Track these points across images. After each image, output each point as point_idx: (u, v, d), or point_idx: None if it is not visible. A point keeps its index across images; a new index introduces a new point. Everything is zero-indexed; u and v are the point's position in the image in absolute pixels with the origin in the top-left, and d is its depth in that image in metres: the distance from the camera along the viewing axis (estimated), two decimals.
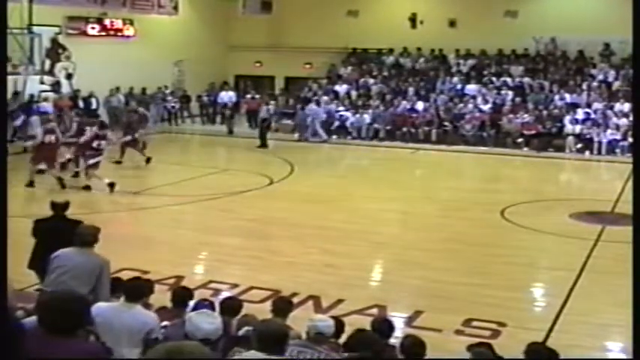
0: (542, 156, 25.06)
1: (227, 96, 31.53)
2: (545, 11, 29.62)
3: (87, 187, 17.45)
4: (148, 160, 20.76)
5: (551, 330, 9.14)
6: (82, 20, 27.49)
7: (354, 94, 30.41)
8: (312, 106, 28.30)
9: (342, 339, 6.35)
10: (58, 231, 9.22)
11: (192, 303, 7.10)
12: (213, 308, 6.74)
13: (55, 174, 17.67)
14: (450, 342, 7.73)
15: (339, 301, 10.05)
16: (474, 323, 9.27)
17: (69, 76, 23.24)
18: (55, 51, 22.23)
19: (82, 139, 17.89)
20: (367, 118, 28.29)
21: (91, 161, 17.58)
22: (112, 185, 17.22)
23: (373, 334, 6.20)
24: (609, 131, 25.48)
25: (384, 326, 6.53)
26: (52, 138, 17.62)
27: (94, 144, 17.63)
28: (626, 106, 26.32)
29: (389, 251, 13.21)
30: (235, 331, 6.29)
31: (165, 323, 6.22)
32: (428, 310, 9.71)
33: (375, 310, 9.68)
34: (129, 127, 21.28)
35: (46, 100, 25.88)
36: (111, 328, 5.82)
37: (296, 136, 27.93)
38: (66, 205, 9.75)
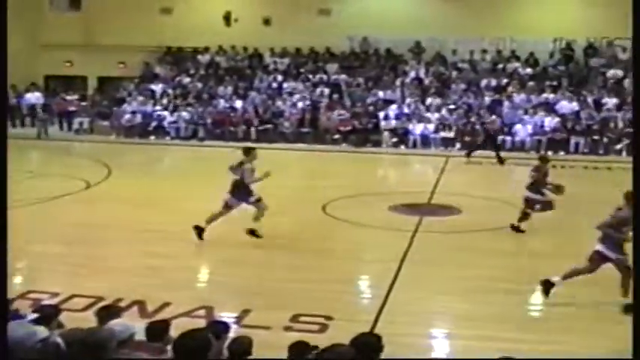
0: (360, 151, 25.74)
1: (34, 97, 30.14)
2: (357, 10, 30.37)
3: None
4: None
5: (377, 320, 9.29)
6: None
7: (170, 93, 29.91)
8: None
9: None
10: None
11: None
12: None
13: None
14: (281, 339, 7.67)
15: (166, 304, 9.78)
16: (302, 318, 9.27)
17: None
18: None
19: None
20: (186, 116, 27.95)
21: None
22: None
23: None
24: (422, 125, 26.51)
25: (219, 328, 6.23)
26: None
27: None
28: (437, 101, 27.54)
29: (213, 251, 12.99)
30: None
31: None
32: (255, 309, 9.61)
33: (202, 312, 9.49)
34: None
35: None
36: None
37: None
38: None
